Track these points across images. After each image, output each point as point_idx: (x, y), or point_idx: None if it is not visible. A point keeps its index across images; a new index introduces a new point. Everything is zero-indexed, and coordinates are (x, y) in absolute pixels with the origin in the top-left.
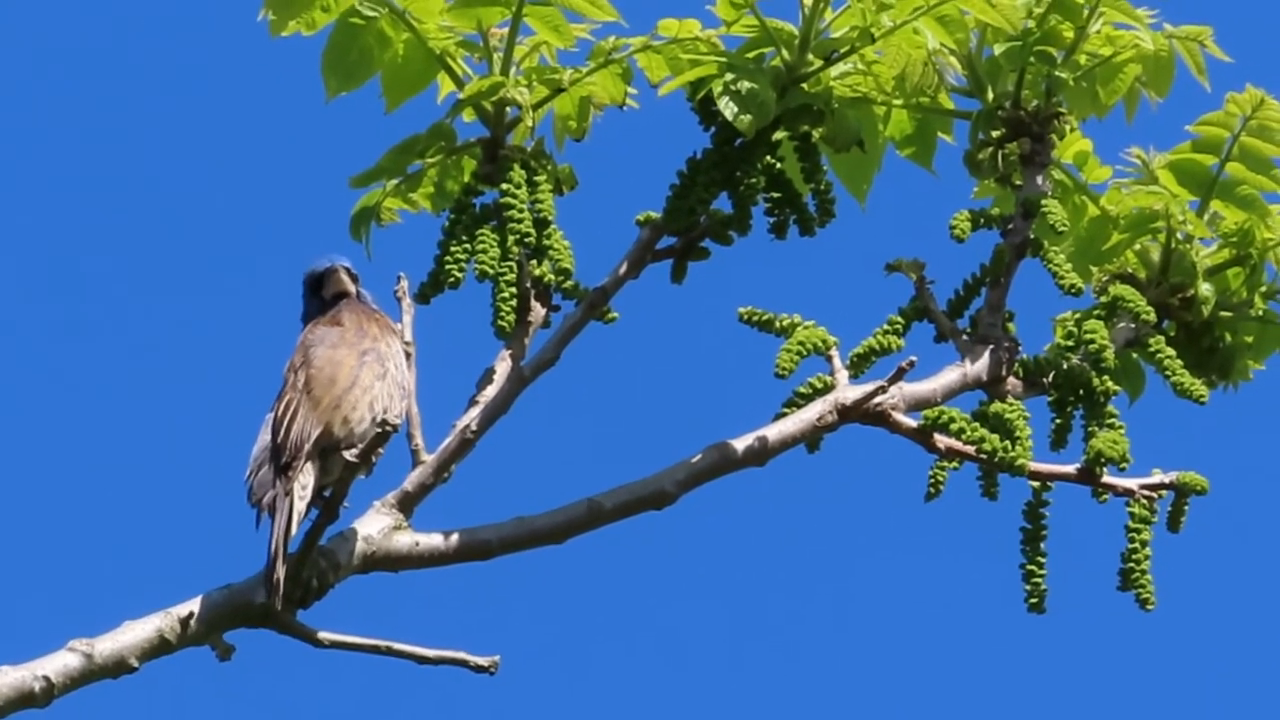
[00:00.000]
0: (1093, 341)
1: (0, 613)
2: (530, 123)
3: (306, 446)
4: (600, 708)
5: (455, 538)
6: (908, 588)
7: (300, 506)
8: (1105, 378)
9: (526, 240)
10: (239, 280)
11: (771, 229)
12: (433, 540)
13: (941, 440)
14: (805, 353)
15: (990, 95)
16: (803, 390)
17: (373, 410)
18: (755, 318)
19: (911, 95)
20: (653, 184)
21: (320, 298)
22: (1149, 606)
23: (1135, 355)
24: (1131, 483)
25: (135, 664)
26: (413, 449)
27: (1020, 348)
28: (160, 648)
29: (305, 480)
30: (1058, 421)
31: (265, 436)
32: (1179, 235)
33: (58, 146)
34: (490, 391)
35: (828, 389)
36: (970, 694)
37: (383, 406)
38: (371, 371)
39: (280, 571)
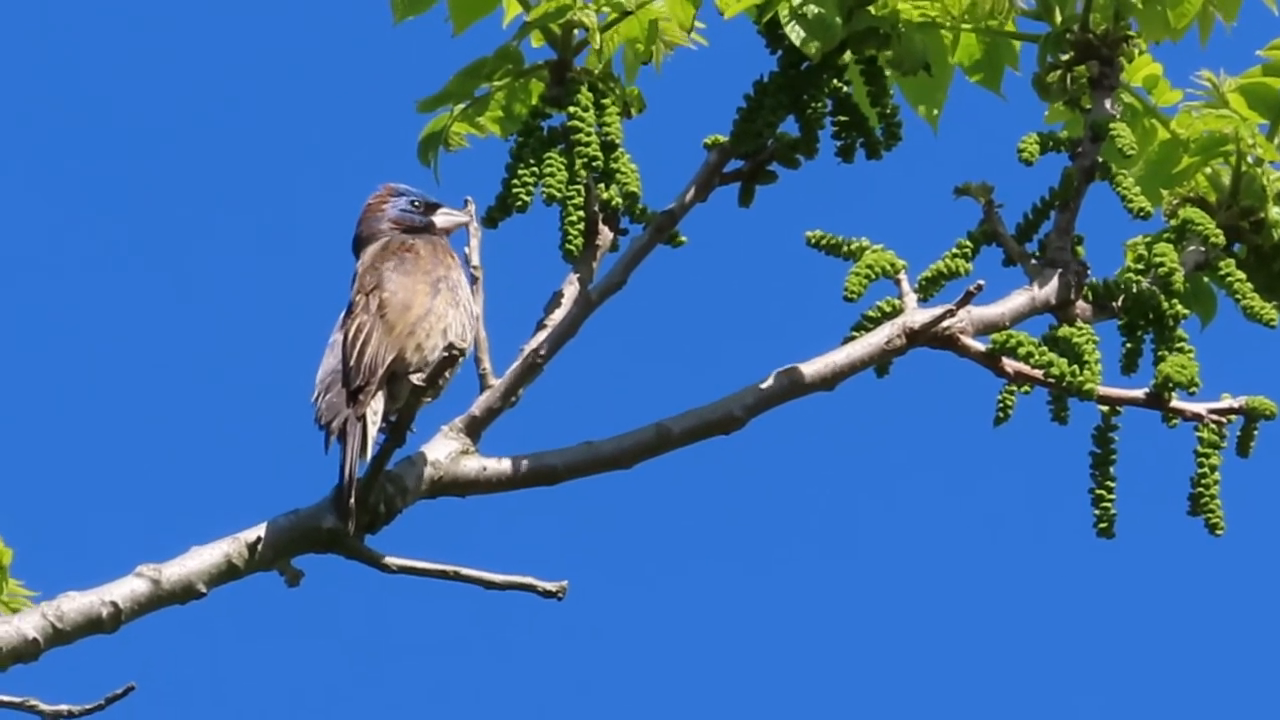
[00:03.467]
0: (1162, 265)
1: (69, 538)
2: (597, 46)
3: (380, 371)
4: (667, 633)
5: (523, 463)
6: (977, 512)
7: (373, 431)
8: (1175, 301)
9: (594, 164)
10: (306, 204)
11: (838, 152)
12: (500, 465)
13: (1010, 364)
14: (874, 276)
15: (1059, 18)
16: (871, 314)
17: (445, 338)
18: (823, 241)
19: (980, 19)
20: (720, 107)
21: (424, 220)
22: (1218, 531)
23: (1205, 279)
24: (1200, 407)
25: (203, 589)
26: (480, 373)
27: (1089, 271)
28: (228, 573)
29: (376, 405)
30: (1127, 346)
31: (332, 359)
32: (1249, 159)
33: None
34: (558, 315)
35: (896, 312)
36: (1038, 617)
37: (456, 335)
38: (444, 300)
39: (355, 496)
